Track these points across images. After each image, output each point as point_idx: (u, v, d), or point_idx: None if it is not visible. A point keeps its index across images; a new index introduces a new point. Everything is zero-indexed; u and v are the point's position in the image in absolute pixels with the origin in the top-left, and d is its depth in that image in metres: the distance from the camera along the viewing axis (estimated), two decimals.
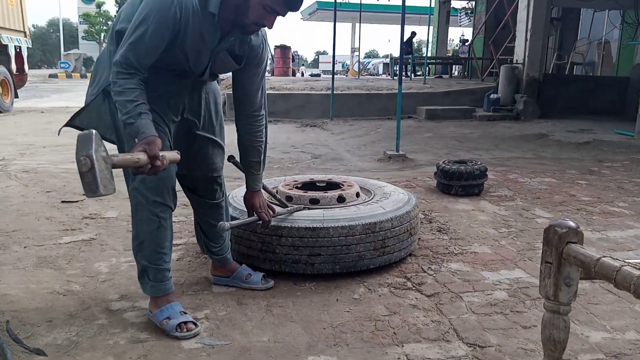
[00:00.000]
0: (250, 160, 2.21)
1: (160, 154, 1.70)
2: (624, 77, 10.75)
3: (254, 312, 2.13)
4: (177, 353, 1.82)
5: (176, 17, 1.79)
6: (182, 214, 3.53)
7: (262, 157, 2.22)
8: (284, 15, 1.90)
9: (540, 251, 2.77)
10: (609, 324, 2.04)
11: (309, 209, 2.58)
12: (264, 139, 2.21)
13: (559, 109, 9.96)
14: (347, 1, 19.80)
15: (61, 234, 3.12)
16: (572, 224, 1.40)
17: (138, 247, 2.04)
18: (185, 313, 2.01)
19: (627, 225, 3.35)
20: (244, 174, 2.27)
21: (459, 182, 4.04)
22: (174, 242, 2.96)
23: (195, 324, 1.97)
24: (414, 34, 18.71)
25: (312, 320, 2.07)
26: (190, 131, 2.14)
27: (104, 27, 44.54)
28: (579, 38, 13.69)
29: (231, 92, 2.20)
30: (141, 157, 1.66)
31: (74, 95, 17.59)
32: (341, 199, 2.68)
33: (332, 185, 2.98)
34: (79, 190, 4.22)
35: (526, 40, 9.70)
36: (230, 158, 2.28)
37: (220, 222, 2.13)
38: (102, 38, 44.83)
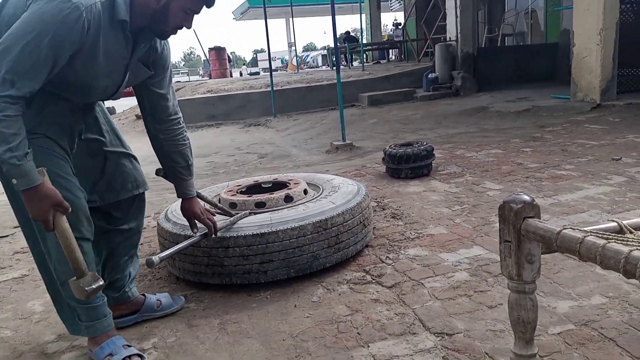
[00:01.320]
0: (177, 166, 2.01)
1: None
2: (553, 43, 11.06)
3: (207, 333, 1.96)
4: None
5: (84, 27, 1.51)
6: None
7: (189, 161, 2.03)
8: (199, 13, 1.73)
9: (496, 225, 2.72)
10: (573, 291, 2.00)
11: (255, 214, 2.43)
12: (187, 141, 2.03)
13: (495, 81, 10.15)
14: None
15: None
16: (526, 197, 1.32)
17: (60, 289, 1.80)
18: (130, 346, 1.82)
19: (576, 187, 3.37)
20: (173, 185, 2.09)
21: (407, 165, 3.98)
22: None
23: (141, 356, 1.79)
24: (347, 32, 19.01)
25: (270, 332, 1.92)
26: (98, 151, 1.91)
27: None
28: (506, 10, 14.01)
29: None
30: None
31: None
32: (288, 199, 2.55)
33: (278, 186, 2.84)
34: (10, 222, 3.91)
35: (457, 17, 9.80)
36: (159, 171, 2.08)
37: (148, 258, 1.81)
38: None
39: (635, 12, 7.53)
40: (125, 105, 14.34)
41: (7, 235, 3.59)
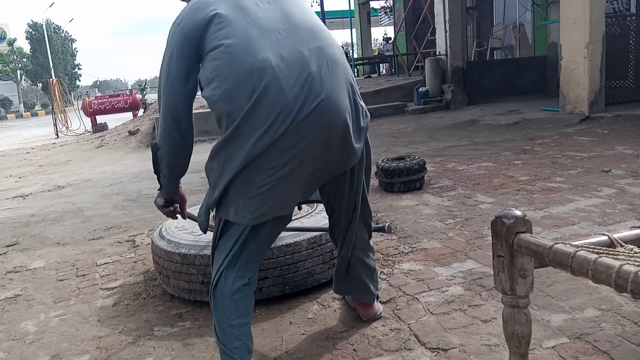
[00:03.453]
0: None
1: None
2: (541, 57, 11.21)
3: (202, 352, 1.96)
4: None
5: None
6: (117, 253, 3.30)
7: None
8: None
9: (489, 238, 2.74)
10: (566, 304, 2.01)
11: None
12: None
13: (485, 94, 10.25)
14: None
15: None
16: (518, 213, 1.34)
17: None
18: None
19: (567, 199, 3.40)
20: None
21: (400, 179, 4.01)
22: (109, 285, 2.75)
23: None
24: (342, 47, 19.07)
25: (266, 350, 1.92)
26: None
27: (19, 65, 42.55)
28: (495, 24, 14.20)
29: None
30: None
31: None
32: None
33: None
34: (2, 241, 3.90)
35: (446, 31, 9.92)
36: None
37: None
38: (19, 76, 42.78)
39: (620, 25, 7.66)
40: (120, 120, 14.38)
41: (0, 254, 3.57)
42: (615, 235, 1.39)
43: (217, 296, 1.60)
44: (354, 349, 1.86)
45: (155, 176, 1.80)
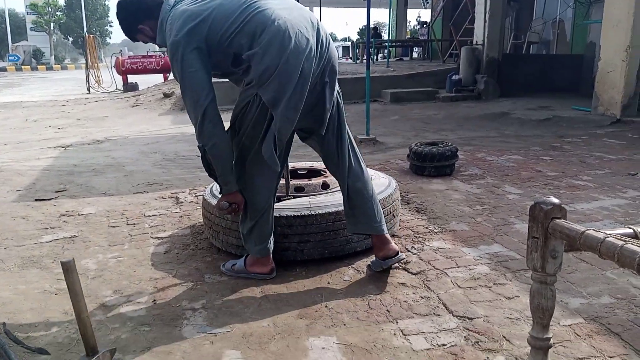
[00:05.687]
0: None
1: None
2: (578, 55, 11.14)
3: (250, 300, 2.18)
4: (180, 342, 1.87)
5: None
6: (162, 207, 3.53)
7: None
8: None
9: (515, 226, 2.92)
10: (584, 290, 2.19)
11: (294, 197, 2.63)
12: None
13: (518, 88, 10.25)
14: None
15: (41, 233, 3.08)
16: (556, 200, 1.51)
17: None
18: None
19: (592, 197, 3.54)
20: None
21: (432, 164, 4.17)
22: (159, 235, 2.99)
23: None
24: (375, 28, 19.05)
25: (307, 303, 2.14)
26: None
27: (53, 17, 42.97)
28: (534, 18, 14.06)
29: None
30: None
31: (26, 89, 17.02)
32: (325, 186, 2.75)
33: (313, 173, 3.04)
34: (50, 187, 4.16)
35: (485, 21, 9.91)
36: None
37: None
38: (52, 28, 43.26)
39: None
40: (150, 82, 14.64)
41: (51, 199, 3.83)
42: (639, 229, 1.56)
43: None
44: (387, 310, 2.06)
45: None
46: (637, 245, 1.34)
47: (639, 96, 7.08)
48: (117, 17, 2.24)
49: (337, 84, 2.28)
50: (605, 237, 1.34)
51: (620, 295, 2.14)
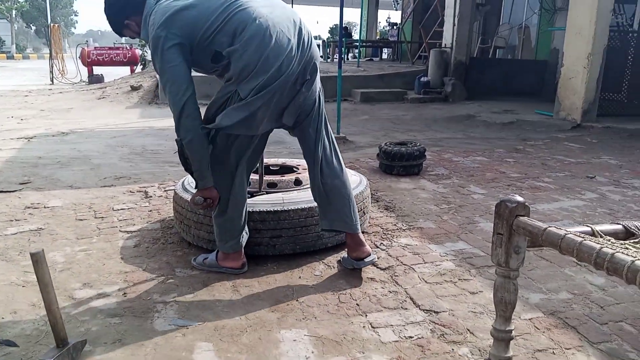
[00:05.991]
0: None
1: None
2: (542, 61, 11.47)
3: (222, 294, 2.20)
4: (152, 335, 1.87)
5: None
6: (131, 201, 3.50)
7: None
8: None
9: (480, 224, 3.01)
10: (544, 286, 2.29)
11: (267, 192, 2.66)
12: None
13: (484, 91, 10.50)
14: None
15: (5, 225, 3.02)
16: (520, 199, 1.58)
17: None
18: None
19: (553, 198, 3.68)
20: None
21: (400, 163, 4.25)
22: (128, 229, 2.97)
23: None
24: (346, 28, 19.21)
25: (279, 297, 2.17)
26: None
27: (15, 5, 41.59)
28: (501, 23, 14.37)
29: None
30: None
31: None
32: (298, 182, 2.78)
33: (285, 169, 3.07)
34: (14, 179, 4.06)
35: (454, 25, 10.11)
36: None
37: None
38: (13, 16, 41.84)
39: (621, 39, 7.94)
40: (116, 74, 14.35)
41: (14, 191, 3.74)
42: (597, 227, 1.66)
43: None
44: (357, 304, 2.12)
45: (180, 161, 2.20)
46: (594, 242, 1.43)
47: (598, 102, 7.36)
48: (105, 12, 2.24)
49: (319, 81, 2.32)
50: (566, 234, 1.43)
51: (577, 291, 2.25)
